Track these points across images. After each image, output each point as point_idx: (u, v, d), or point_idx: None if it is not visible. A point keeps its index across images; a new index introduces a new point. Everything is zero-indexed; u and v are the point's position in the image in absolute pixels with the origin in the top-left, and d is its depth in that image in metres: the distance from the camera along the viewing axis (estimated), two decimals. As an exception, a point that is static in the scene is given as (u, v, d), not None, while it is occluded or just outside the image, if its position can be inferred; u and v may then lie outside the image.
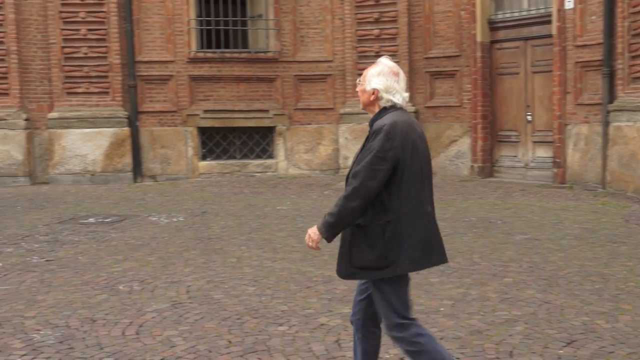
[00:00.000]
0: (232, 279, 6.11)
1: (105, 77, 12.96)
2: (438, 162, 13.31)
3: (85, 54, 12.85)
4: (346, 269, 3.39)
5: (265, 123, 13.67)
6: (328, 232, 3.31)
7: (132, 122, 13.12)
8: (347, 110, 13.48)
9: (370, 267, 3.29)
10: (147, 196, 11.33)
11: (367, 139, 3.33)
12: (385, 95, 3.34)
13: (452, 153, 13.21)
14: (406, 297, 3.39)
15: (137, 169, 13.18)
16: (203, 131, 13.53)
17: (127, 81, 13.11)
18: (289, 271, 6.35)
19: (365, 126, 13.40)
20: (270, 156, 13.82)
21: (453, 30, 12.99)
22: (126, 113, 13.09)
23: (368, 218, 3.27)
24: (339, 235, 3.40)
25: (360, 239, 3.30)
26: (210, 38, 13.41)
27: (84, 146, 12.88)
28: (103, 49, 12.90)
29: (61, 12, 12.77)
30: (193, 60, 13.29)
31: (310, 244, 3.38)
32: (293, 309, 5.22)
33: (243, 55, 13.49)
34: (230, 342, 4.54)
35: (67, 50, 12.84)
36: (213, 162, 13.54)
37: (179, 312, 5.16)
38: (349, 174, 3.35)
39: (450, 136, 13.22)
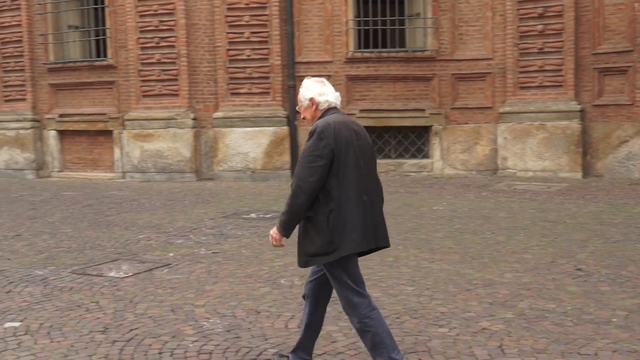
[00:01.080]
0: (389, 278, 6.10)
1: (267, 78, 13.42)
2: (605, 163, 12.56)
3: (248, 56, 13.38)
4: (302, 258, 3.72)
5: (421, 122, 13.55)
6: (284, 229, 3.68)
7: (291, 121, 13.49)
8: (507, 109, 13.05)
9: (320, 252, 3.62)
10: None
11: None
12: (320, 98, 3.80)
13: (622, 154, 12.40)
14: (357, 275, 3.77)
15: (295, 167, 13.50)
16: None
17: (286, 82, 13.50)
18: (447, 273, 6.23)
19: (526, 125, 12.97)
20: (426, 156, 13.68)
21: (625, 24, 12.19)
22: (285, 112, 13.49)
23: (314, 209, 3.64)
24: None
25: (309, 229, 3.66)
26: (368, 38, 13.50)
27: (246, 144, 13.41)
28: (265, 51, 13.37)
29: (227, 16, 13.37)
30: (350, 61, 13.43)
31: (274, 243, 3.75)
32: (453, 311, 5.11)
33: (400, 54, 13.45)
34: (390, 341, 4.52)
35: (231, 52, 13.43)
36: (368, 161, 13.59)
37: (338, 309, 5.19)
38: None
39: (620, 136, 12.42)
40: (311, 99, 3.82)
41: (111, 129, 14.35)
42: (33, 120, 15.20)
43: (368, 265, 6.52)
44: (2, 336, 4.69)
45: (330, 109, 3.81)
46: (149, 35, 13.72)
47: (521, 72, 13.00)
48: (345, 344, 4.47)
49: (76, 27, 15.27)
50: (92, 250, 7.43)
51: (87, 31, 15.04)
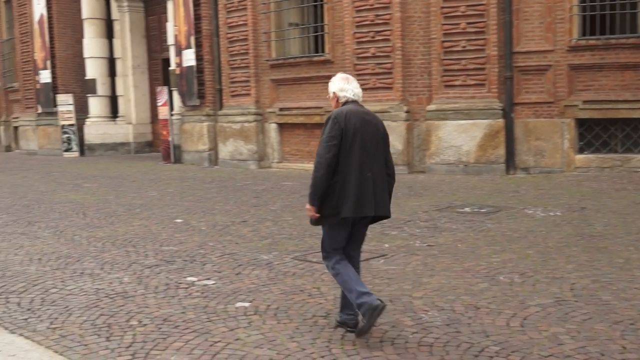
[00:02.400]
0: (620, 280, 5.64)
1: (482, 69, 13.06)
2: None
3: (464, 47, 13.11)
4: (313, 220, 4.50)
5: (654, 114, 12.41)
6: (312, 200, 4.40)
7: (507, 113, 13.02)
8: None
9: (327, 214, 4.41)
10: (520, 188, 11.15)
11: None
12: (341, 94, 4.57)
13: None
14: (340, 239, 4.53)
15: (510, 161, 13.05)
16: (581, 123, 12.82)
17: (503, 73, 13.04)
18: (689, 279, 5.63)
19: None
20: (658, 151, 12.51)
21: None
22: (501, 105, 13.04)
23: None
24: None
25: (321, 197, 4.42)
26: (594, 24, 12.62)
27: (459, 137, 13.18)
28: (481, 42, 13.01)
29: (442, 7, 13.20)
30: (573, 49, 12.64)
31: (308, 214, 4.45)
32: (698, 322, 4.60)
33: (631, 40, 12.38)
34: (624, 348, 4.17)
35: (446, 44, 13.24)
36: (591, 156, 12.75)
37: (564, 310, 4.91)
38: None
39: None
40: (334, 93, 4.60)
41: (327, 122, 14.82)
42: (256, 114, 16.18)
43: (595, 266, 6.11)
44: (234, 315, 5.01)
45: (348, 102, 4.53)
46: (364, 30, 13.97)
47: None
48: (574, 347, 4.19)
49: (296, 25, 15.98)
50: (311, 238, 7.71)
51: (306, 28, 15.68)
